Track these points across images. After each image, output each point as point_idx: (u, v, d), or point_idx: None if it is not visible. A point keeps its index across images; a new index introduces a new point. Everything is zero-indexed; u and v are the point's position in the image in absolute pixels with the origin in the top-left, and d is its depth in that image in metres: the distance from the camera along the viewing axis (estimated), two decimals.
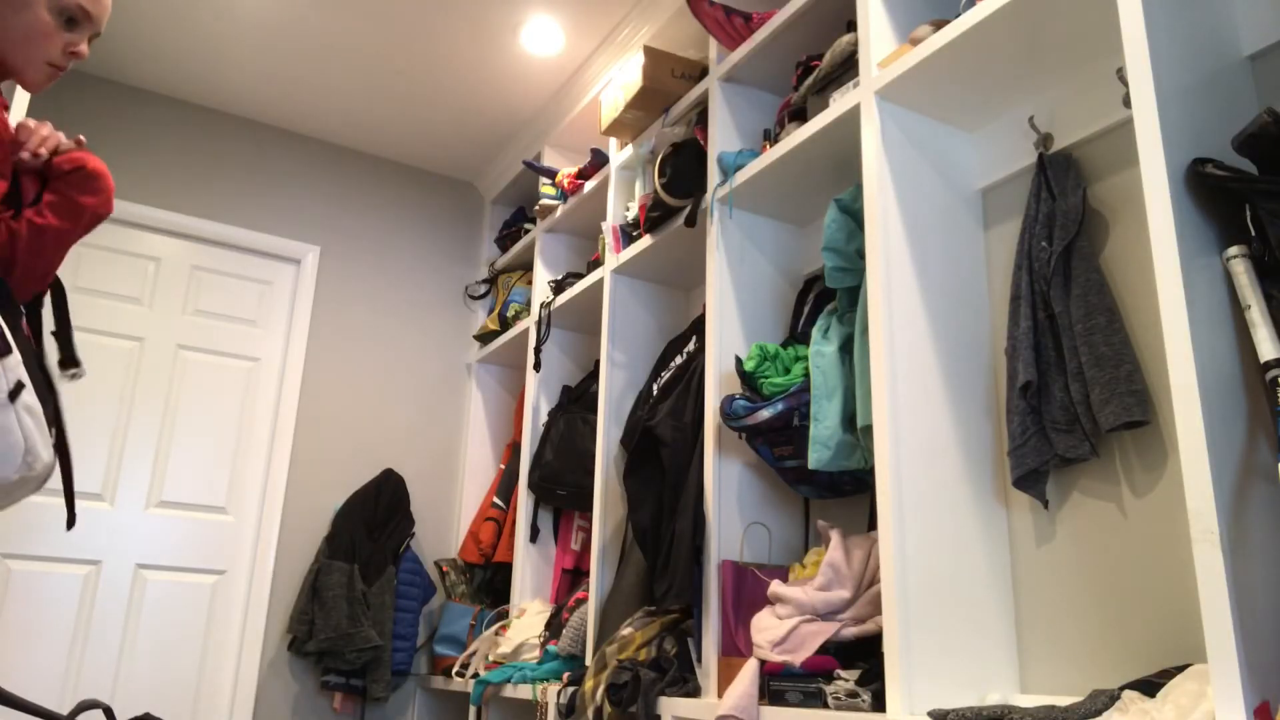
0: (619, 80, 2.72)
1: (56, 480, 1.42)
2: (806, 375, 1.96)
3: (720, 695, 1.91)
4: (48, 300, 1.47)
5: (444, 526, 3.60)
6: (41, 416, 1.30)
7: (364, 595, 3.10)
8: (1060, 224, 1.67)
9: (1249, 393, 1.28)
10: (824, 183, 2.19)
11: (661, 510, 2.26)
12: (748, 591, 2.01)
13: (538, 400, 3.19)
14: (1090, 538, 1.64)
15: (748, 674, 1.78)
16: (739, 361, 2.07)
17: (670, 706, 1.99)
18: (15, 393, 1.27)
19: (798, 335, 2.22)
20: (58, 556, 2.94)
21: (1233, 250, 1.29)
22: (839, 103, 1.95)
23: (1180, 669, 1.34)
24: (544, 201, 3.27)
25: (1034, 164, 1.79)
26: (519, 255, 3.62)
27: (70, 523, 1.47)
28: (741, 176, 2.23)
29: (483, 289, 3.87)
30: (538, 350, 3.19)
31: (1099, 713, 1.32)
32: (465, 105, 3.47)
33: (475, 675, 2.87)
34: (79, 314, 1.44)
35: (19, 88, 1.67)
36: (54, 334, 1.49)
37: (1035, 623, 1.69)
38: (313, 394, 3.45)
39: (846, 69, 1.99)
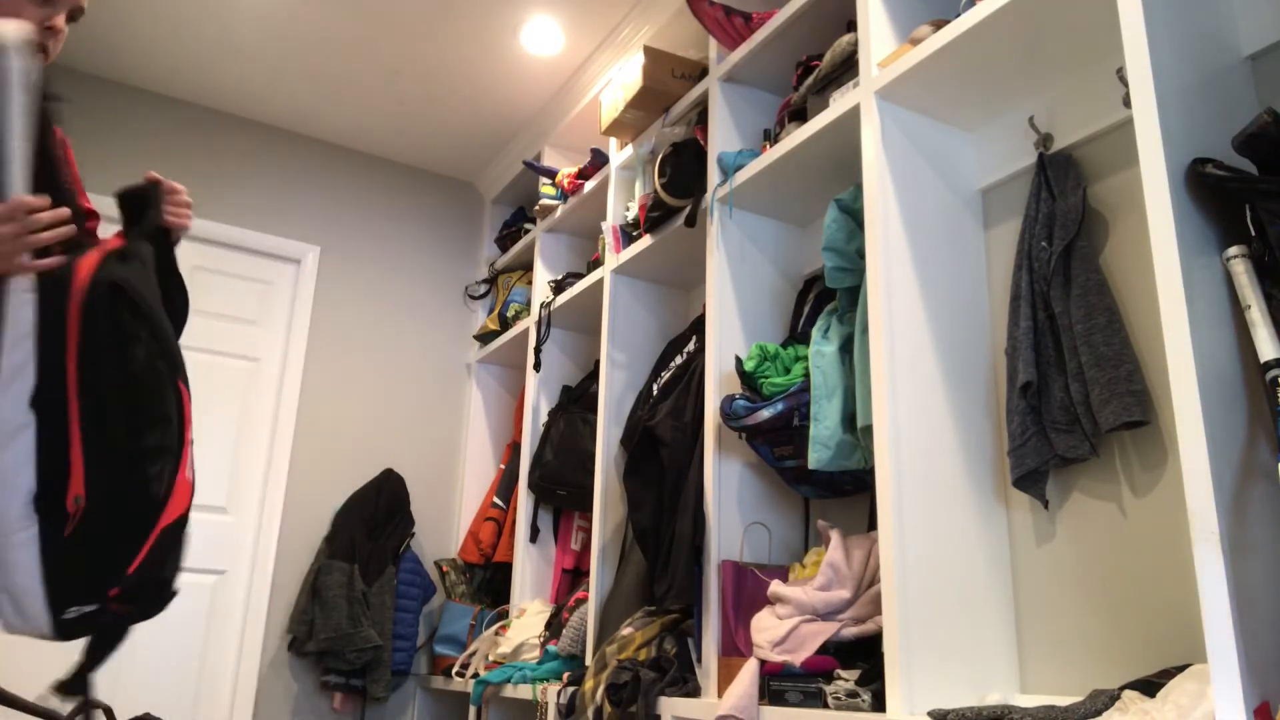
0: (619, 80, 2.72)
1: None
2: (806, 375, 1.96)
3: (720, 695, 1.91)
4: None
5: (444, 526, 3.60)
6: (23, 599, 1.30)
7: (364, 595, 3.10)
8: (1060, 224, 1.67)
9: (1249, 393, 1.28)
10: (824, 183, 2.19)
11: (661, 510, 2.26)
12: (748, 591, 2.01)
13: (538, 400, 3.19)
14: (1090, 538, 1.64)
15: (748, 674, 1.78)
16: (739, 361, 2.07)
17: (670, 706, 1.99)
18: None
19: (798, 335, 2.22)
20: None
21: (1233, 250, 1.29)
22: (839, 103, 1.95)
23: (1180, 669, 1.34)
24: (544, 201, 3.27)
25: (1034, 164, 1.79)
26: (519, 255, 3.62)
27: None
28: (741, 176, 2.23)
29: (483, 289, 3.87)
30: (538, 350, 3.19)
31: (1099, 713, 1.32)
32: (465, 105, 3.47)
33: (475, 675, 2.87)
34: None
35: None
36: None
37: (1035, 623, 1.69)
38: (313, 394, 3.45)
39: (846, 69, 1.99)
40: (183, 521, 1.43)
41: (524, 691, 2.53)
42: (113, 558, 1.36)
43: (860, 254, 1.90)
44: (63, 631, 1.34)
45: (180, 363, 1.44)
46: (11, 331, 1.29)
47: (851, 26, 2.00)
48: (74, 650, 1.49)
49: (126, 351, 1.37)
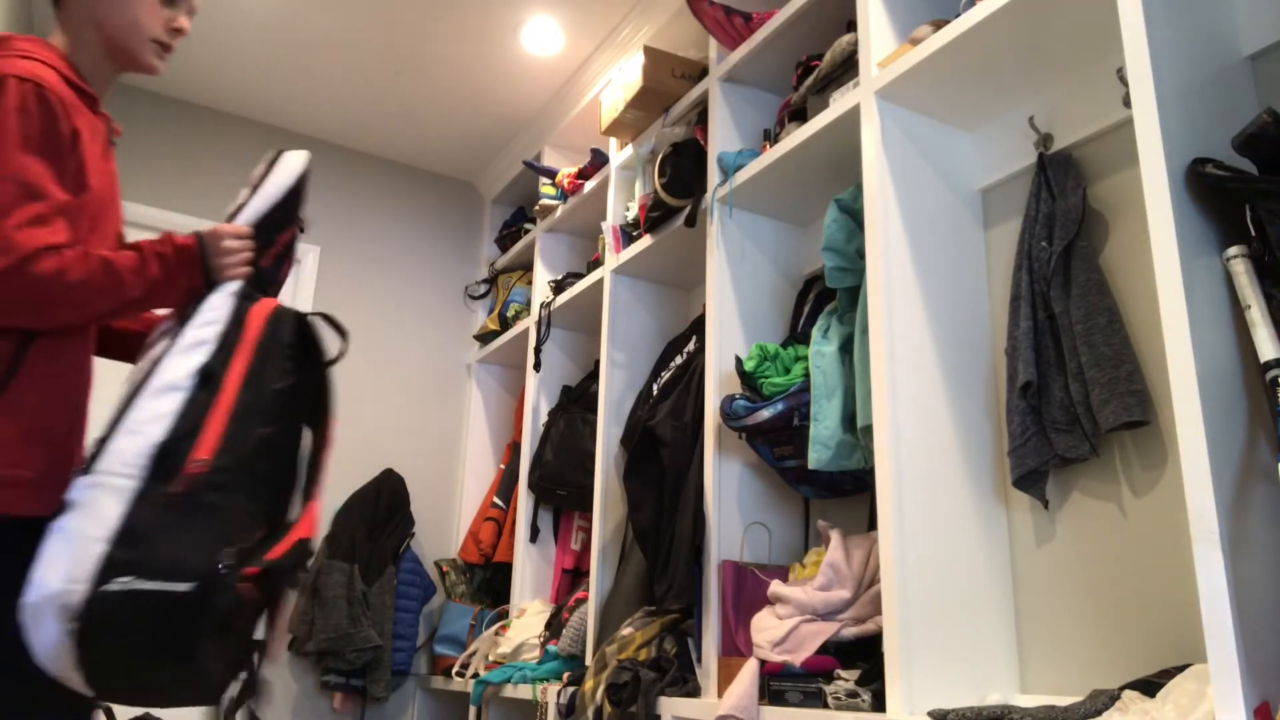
0: (619, 80, 2.72)
1: None
2: (806, 375, 1.96)
3: (720, 695, 1.91)
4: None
5: (444, 526, 3.60)
6: (73, 546, 1.17)
7: (364, 595, 3.10)
8: (1060, 224, 1.67)
9: (1249, 393, 1.28)
10: (824, 183, 2.19)
11: (661, 510, 2.26)
12: (748, 591, 2.01)
13: (538, 400, 3.19)
14: (1090, 538, 1.64)
15: (748, 674, 1.78)
16: (739, 361, 2.07)
17: (670, 706, 1.99)
18: (57, 512, 1.21)
19: (798, 335, 2.22)
20: None
21: (1233, 250, 1.29)
22: (839, 103, 1.95)
23: (1180, 669, 1.34)
24: (544, 201, 3.27)
25: (1034, 164, 1.79)
26: (519, 255, 3.62)
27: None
28: (741, 176, 2.23)
29: (483, 289, 3.87)
30: (538, 350, 3.19)
31: (1099, 713, 1.32)
32: (465, 105, 3.47)
33: (475, 675, 2.87)
34: None
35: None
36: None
37: (1035, 623, 1.69)
38: None
39: (846, 69, 1.99)
40: (308, 544, 1.41)
41: (524, 691, 2.53)
42: (218, 537, 1.25)
43: (860, 254, 1.90)
44: (88, 609, 1.15)
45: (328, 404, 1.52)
46: (205, 315, 1.39)
47: (851, 26, 2.00)
48: None
49: (293, 365, 1.45)
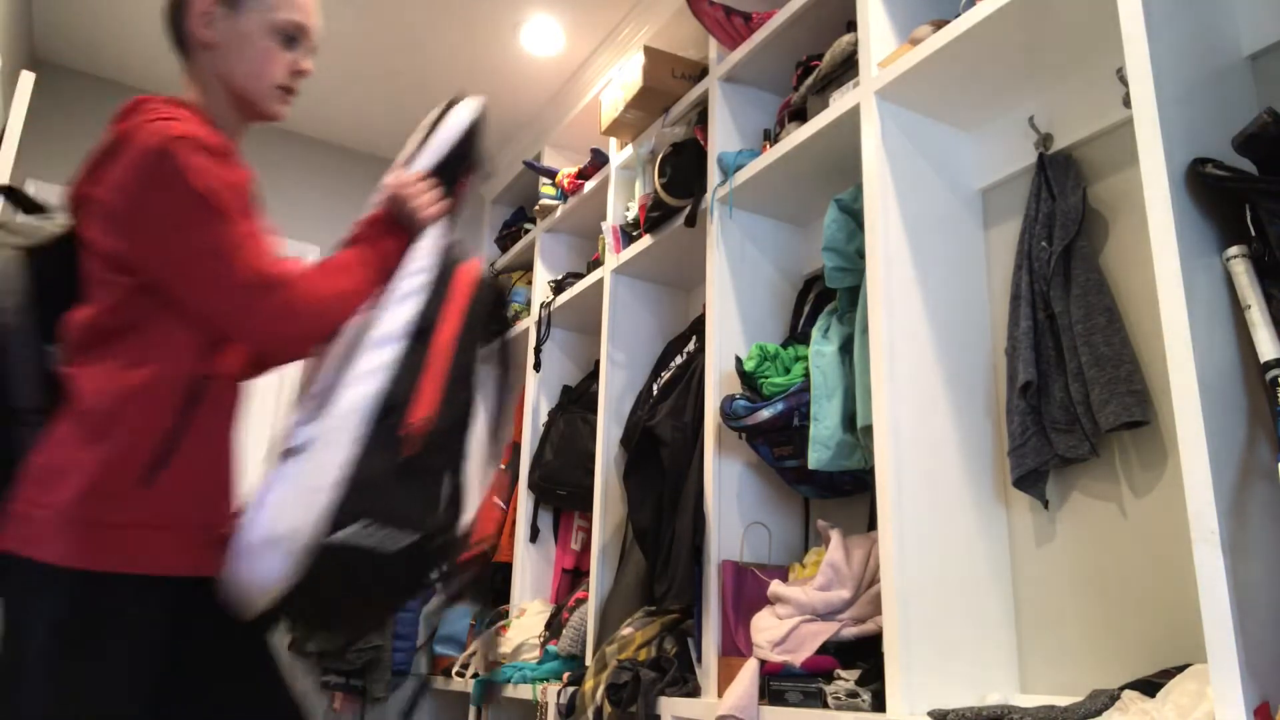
0: (619, 80, 2.72)
1: None
2: (806, 375, 1.96)
3: (720, 695, 1.91)
4: None
5: None
6: (312, 479, 1.17)
7: None
8: (1060, 224, 1.67)
9: (1249, 393, 1.28)
10: (824, 183, 2.19)
11: (661, 510, 2.26)
12: (748, 591, 2.01)
13: (538, 400, 3.19)
14: (1090, 538, 1.64)
15: (748, 674, 1.78)
16: (739, 361, 2.07)
17: (670, 706, 1.99)
18: (287, 454, 1.21)
19: (798, 335, 2.22)
20: None
21: (1233, 250, 1.29)
22: (839, 103, 1.95)
23: (1180, 669, 1.34)
24: (544, 201, 3.27)
25: (1034, 164, 1.79)
26: (519, 255, 3.62)
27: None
28: (741, 176, 2.23)
29: None
30: (538, 350, 3.19)
31: (1099, 713, 1.33)
32: None
33: (475, 675, 2.88)
34: None
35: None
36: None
37: (1035, 623, 1.69)
38: None
39: (846, 69, 1.99)
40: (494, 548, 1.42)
41: (524, 691, 2.53)
42: (432, 499, 1.26)
43: (860, 254, 1.90)
44: (317, 556, 1.14)
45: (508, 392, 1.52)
46: (413, 263, 1.40)
47: (851, 26, 2.00)
48: None
49: (485, 337, 1.47)
